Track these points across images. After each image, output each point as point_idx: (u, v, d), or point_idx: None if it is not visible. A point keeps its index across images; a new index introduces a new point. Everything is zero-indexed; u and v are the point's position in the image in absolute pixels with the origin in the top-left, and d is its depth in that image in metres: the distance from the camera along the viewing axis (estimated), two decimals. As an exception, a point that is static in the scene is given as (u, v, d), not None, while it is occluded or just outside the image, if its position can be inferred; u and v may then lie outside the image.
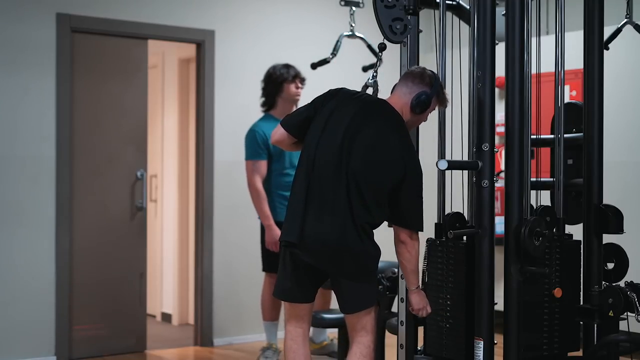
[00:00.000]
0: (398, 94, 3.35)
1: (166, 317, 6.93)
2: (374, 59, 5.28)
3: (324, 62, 5.22)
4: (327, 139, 3.28)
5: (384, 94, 3.45)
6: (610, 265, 3.50)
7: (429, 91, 3.29)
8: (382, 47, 3.46)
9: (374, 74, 3.56)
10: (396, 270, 3.60)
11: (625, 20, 4.08)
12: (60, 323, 5.29)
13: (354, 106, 3.32)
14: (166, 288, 6.97)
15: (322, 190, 3.25)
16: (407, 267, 3.30)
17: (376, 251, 3.30)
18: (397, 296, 3.60)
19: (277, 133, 3.45)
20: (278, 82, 5.07)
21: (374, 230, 3.29)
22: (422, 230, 3.28)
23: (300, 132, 3.39)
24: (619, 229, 3.42)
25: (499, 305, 3.23)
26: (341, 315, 4.05)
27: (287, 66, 5.14)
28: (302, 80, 5.15)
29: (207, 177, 5.87)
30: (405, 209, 3.25)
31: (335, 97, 3.38)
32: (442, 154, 3.51)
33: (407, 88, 3.33)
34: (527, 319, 3.21)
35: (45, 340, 5.25)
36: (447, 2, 3.57)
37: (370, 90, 3.53)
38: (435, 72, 3.45)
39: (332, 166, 3.24)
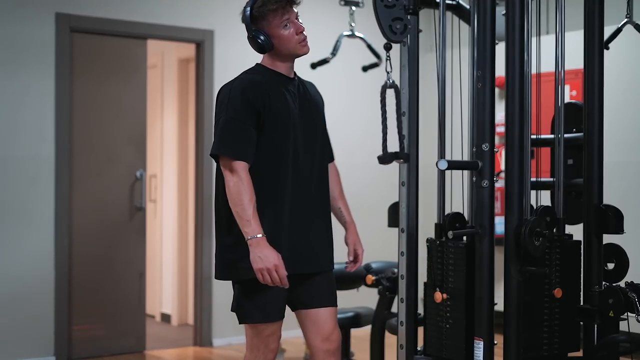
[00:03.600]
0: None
1: (165, 318, 6.92)
2: (374, 59, 5.29)
3: (324, 62, 5.21)
4: None
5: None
6: (611, 266, 3.50)
7: (246, 27, 3.16)
8: (388, 47, 3.45)
9: (389, 74, 3.56)
10: (396, 270, 3.60)
11: (626, 20, 4.07)
12: (60, 323, 5.29)
13: None
14: (165, 288, 6.97)
15: None
16: (232, 208, 2.92)
17: (228, 240, 3.02)
18: (397, 296, 3.59)
19: None
20: None
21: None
22: (225, 154, 2.94)
23: None
24: (619, 229, 3.41)
25: (499, 305, 3.23)
26: (342, 315, 4.05)
27: None
28: None
29: (206, 177, 5.86)
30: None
31: None
32: (442, 154, 3.50)
33: None
34: (527, 319, 3.21)
35: (45, 340, 5.24)
36: (447, 2, 3.57)
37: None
38: (436, 72, 3.45)
39: None
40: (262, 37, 3.09)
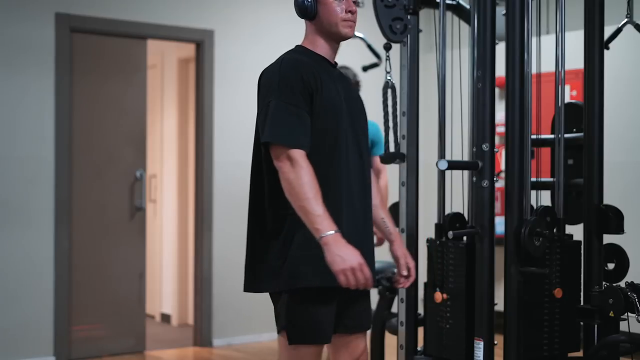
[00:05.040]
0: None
1: (165, 318, 6.92)
2: (374, 59, 5.29)
3: (324, 62, 5.20)
4: None
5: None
6: (611, 266, 3.49)
7: None
8: (388, 47, 3.45)
9: (389, 73, 3.56)
10: (395, 270, 3.59)
11: (626, 20, 4.07)
12: (60, 323, 5.29)
13: None
14: (165, 288, 6.97)
15: None
16: (295, 203, 2.49)
17: (275, 244, 2.64)
18: (397, 296, 3.59)
19: None
20: None
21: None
22: (283, 143, 2.53)
23: None
24: (619, 229, 3.41)
25: (499, 306, 3.22)
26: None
27: None
28: None
29: (206, 177, 5.86)
30: (260, 127, 2.62)
31: None
32: (442, 154, 3.50)
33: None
34: (527, 319, 3.21)
35: (45, 340, 5.24)
36: (447, 2, 3.57)
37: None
38: (436, 72, 3.45)
39: None
40: None
